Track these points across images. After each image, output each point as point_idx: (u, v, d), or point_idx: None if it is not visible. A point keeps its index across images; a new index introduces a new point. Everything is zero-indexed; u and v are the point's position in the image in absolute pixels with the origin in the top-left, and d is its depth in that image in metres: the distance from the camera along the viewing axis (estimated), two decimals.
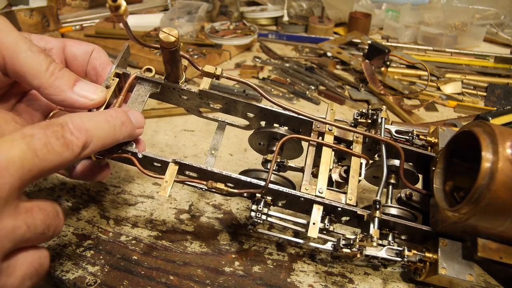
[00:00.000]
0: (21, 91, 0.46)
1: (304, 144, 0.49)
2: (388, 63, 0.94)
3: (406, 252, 0.42)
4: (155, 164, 0.43)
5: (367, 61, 0.94)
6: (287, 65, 1.00)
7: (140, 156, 0.42)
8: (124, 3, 0.32)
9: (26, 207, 0.30)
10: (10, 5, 1.22)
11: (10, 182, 0.27)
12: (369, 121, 0.50)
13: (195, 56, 0.98)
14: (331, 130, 0.48)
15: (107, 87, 0.44)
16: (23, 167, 0.28)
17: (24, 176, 0.28)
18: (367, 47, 0.96)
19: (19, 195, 0.29)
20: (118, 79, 0.45)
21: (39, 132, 0.29)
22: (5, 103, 0.44)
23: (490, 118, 0.70)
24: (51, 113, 0.47)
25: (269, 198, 0.44)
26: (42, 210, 0.31)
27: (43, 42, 0.44)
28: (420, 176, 0.50)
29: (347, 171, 0.46)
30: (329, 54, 1.05)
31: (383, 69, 0.95)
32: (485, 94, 0.91)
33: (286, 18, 1.26)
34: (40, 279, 0.32)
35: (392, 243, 0.43)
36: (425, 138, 0.50)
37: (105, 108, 0.43)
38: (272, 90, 0.90)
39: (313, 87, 0.90)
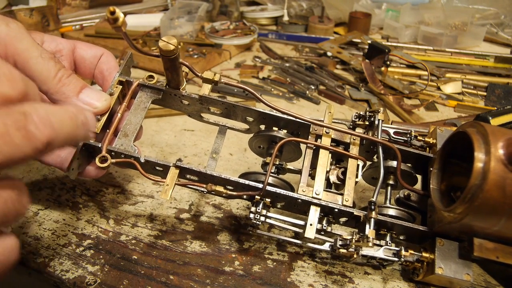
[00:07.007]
0: None
1: (303, 147, 0.50)
2: (388, 62, 0.94)
3: (403, 252, 0.43)
4: (157, 168, 0.45)
5: (367, 60, 0.94)
6: (287, 64, 1.01)
7: (142, 160, 0.43)
8: (121, 15, 0.33)
9: None
10: (10, 5, 1.22)
11: None
12: (367, 123, 0.51)
13: (195, 56, 0.98)
14: (328, 133, 0.48)
15: (111, 94, 0.46)
16: None
17: None
18: (367, 46, 0.97)
19: None
20: (121, 86, 0.47)
21: None
22: None
23: (490, 118, 0.70)
24: None
25: (268, 200, 0.44)
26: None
27: (54, 44, 0.46)
28: (419, 177, 0.50)
29: (344, 173, 0.46)
30: (329, 54, 1.05)
31: (383, 68, 0.95)
32: (485, 93, 0.91)
33: (286, 18, 1.26)
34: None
35: (389, 243, 0.43)
36: (423, 139, 0.51)
37: (108, 116, 0.45)
38: (272, 89, 0.90)
39: (313, 87, 0.90)
